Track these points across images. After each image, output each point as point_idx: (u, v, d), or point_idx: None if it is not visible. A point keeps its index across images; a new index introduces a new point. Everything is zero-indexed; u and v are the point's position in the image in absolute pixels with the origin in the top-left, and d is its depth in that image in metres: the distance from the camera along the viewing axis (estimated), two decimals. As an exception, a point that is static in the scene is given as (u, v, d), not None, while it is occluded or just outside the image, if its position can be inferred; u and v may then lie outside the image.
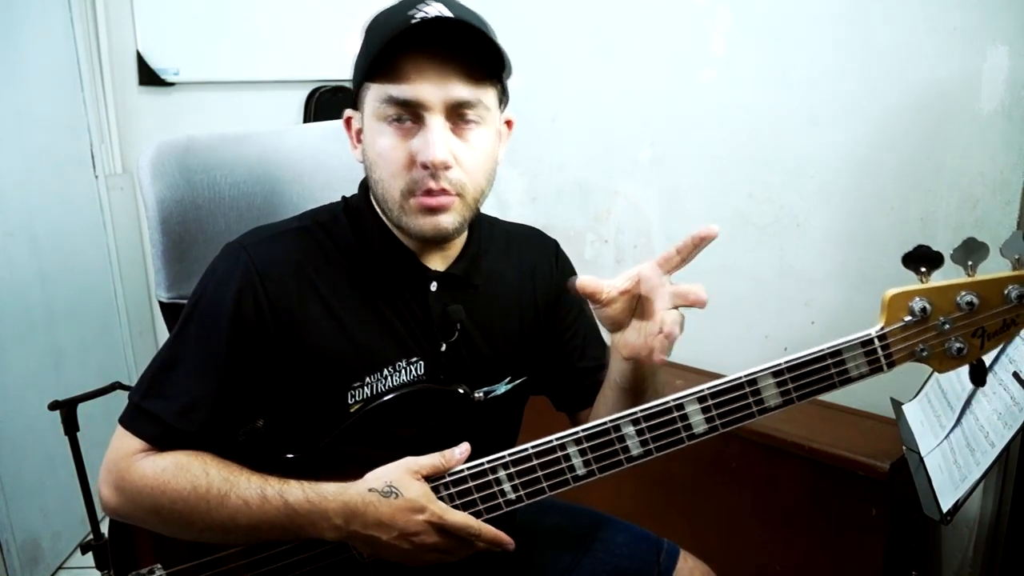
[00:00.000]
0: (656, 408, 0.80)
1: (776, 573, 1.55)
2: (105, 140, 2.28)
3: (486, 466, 0.83)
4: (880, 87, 1.54)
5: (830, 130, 1.63)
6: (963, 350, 0.77)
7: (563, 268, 1.07)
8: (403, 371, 0.90)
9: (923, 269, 0.76)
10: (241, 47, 2.26)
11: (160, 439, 0.85)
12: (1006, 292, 0.75)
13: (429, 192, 0.83)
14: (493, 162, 0.89)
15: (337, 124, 0.99)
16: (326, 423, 0.88)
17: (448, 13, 0.80)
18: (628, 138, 2.01)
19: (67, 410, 1.30)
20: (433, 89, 0.81)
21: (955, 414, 0.97)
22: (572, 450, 0.81)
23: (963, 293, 0.76)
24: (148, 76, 2.29)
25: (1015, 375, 0.90)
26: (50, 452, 1.89)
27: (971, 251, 0.75)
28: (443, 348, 0.93)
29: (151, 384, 0.87)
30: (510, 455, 0.82)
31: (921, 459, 0.99)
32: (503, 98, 0.91)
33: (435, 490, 0.83)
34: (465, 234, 0.96)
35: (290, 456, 0.88)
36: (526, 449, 0.82)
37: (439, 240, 0.88)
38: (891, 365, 0.78)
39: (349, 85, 0.91)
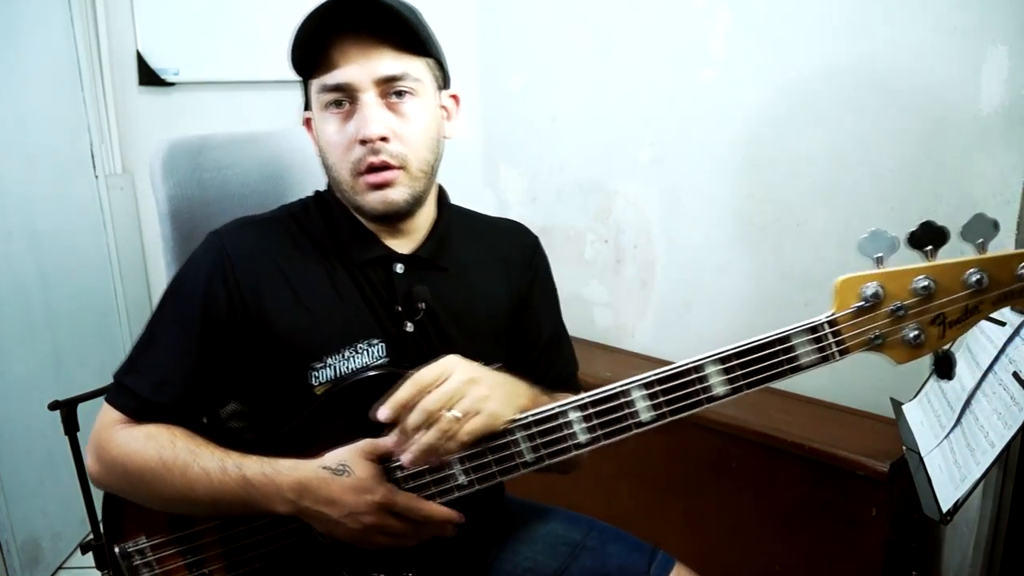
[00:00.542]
0: (604, 394, 0.80)
1: (776, 573, 1.55)
2: (105, 140, 2.28)
3: None
4: (880, 87, 1.54)
5: (830, 130, 1.63)
6: (920, 338, 0.73)
7: (539, 263, 1.09)
8: (364, 352, 0.92)
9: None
10: (241, 47, 2.26)
11: (137, 411, 0.90)
12: (965, 277, 0.72)
13: (372, 168, 0.88)
14: (433, 133, 0.93)
15: None
16: (293, 405, 0.91)
17: None
18: (628, 138, 2.01)
19: (67, 410, 1.30)
20: (360, 69, 0.86)
21: (955, 414, 0.97)
22: (520, 435, 0.82)
23: (918, 278, 0.73)
24: (148, 76, 2.29)
25: (1015, 375, 0.90)
26: (50, 452, 1.90)
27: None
28: (409, 329, 0.95)
29: (130, 361, 0.92)
30: None
31: (921, 459, 0.99)
32: (442, 75, 0.96)
33: (390, 472, 0.84)
34: (432, 218, 1.00)
35: (263, 437, 0.92)
36: None
37: (393, 216, 0.92)
38: (844, 353, 0.76)
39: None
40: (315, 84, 0.90)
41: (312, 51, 0.88)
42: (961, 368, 1.00)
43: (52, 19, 2.11)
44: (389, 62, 0.88)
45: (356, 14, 0.86)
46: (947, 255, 0.76)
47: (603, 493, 1.83)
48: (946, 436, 0.97)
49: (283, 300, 0.92)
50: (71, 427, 1.31)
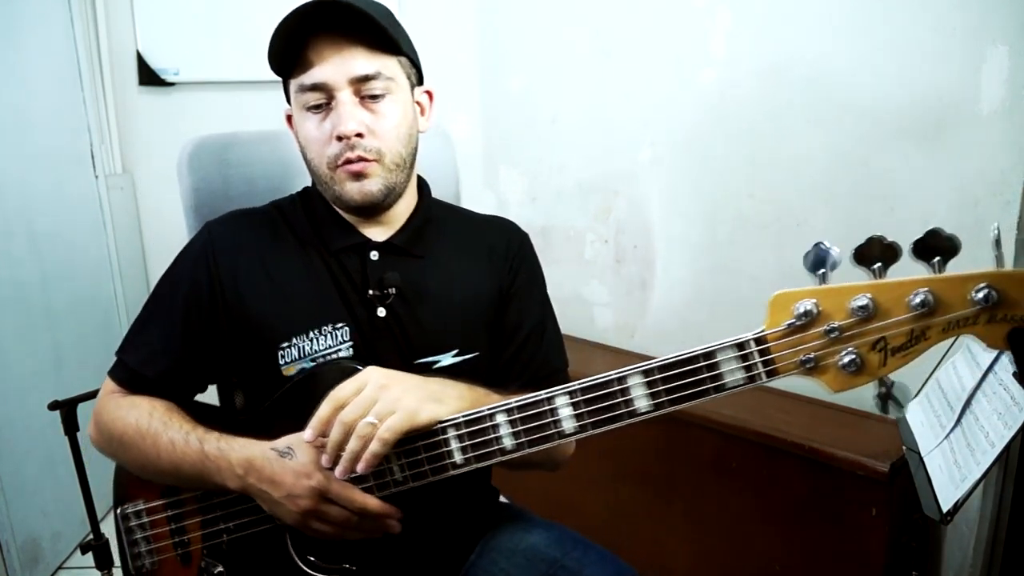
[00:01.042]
0: (529, 400, 0.80)
1: (776, 573, 1.55)
2: (105, 140, 2.28)
3: None
4: (880, 87, 1.54)
5: (830, 130, 1.63)
6: (858, 364, 0.66)
7: (524, 257, 1.09)
8: (328, 335, 0.96)
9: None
10: (241, 47, 2.26)
11: (128, 382, 0.99)
12: (909, 298, 0.64)
13: (348, 161, 0.93)
14: (407, 128, 0.98)
15: None
16: (264, 386, 0.96)
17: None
18: (628, 139, 2.01)
19: (67, 410, 1.30)
20: (334, 70, 0.91)
21: (955, 414, 0.97)
22: (451, 434, 0.82)
23: (857, 297, 0.65)
24: (148, 76, 2.29)
25: (1015, 375, 0.89)
26: (50, 452, 1.90)
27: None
28: (382, 314, 0.98)
29: (127, 337, 1.01)
30: None
31: (921, 459, 0.98)
32: (416, 72, 1.01)
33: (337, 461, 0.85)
34: (411, 207, 1.04)
35: (241, 419, 1.00)
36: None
37: (369, 205, 0.96)
38: (772, 374, 0.70)
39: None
40: (294, 83, 0.95)
41: (289, 53, 0.93)
42: (961, 368, 1.00)
43: (52, 19, 2.11)
44: (362, 62, 0.92)
45: (329, 17, 0.90)
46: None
47: (604, 493, 1.83)
48: (946, 436, 0.97)
49: (257, 284, 0.98)
50: (71, 427, 1.30)
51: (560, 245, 2.20)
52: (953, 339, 0.66)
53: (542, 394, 0.79)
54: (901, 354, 0.66)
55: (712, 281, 1.88)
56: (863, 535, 1.41)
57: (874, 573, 1.41)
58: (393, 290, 0.97)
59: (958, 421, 0.96)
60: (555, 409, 0.78)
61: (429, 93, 1.05)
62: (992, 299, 0.62)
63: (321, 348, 0.95)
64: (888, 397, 0.68)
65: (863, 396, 1.58)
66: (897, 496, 1.37)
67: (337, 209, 1.01)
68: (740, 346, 0.70)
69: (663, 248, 2.00)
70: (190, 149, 1.21)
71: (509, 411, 0.80)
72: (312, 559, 0.92)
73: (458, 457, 0.82)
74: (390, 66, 0.95)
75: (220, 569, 0.95)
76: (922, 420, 1.06)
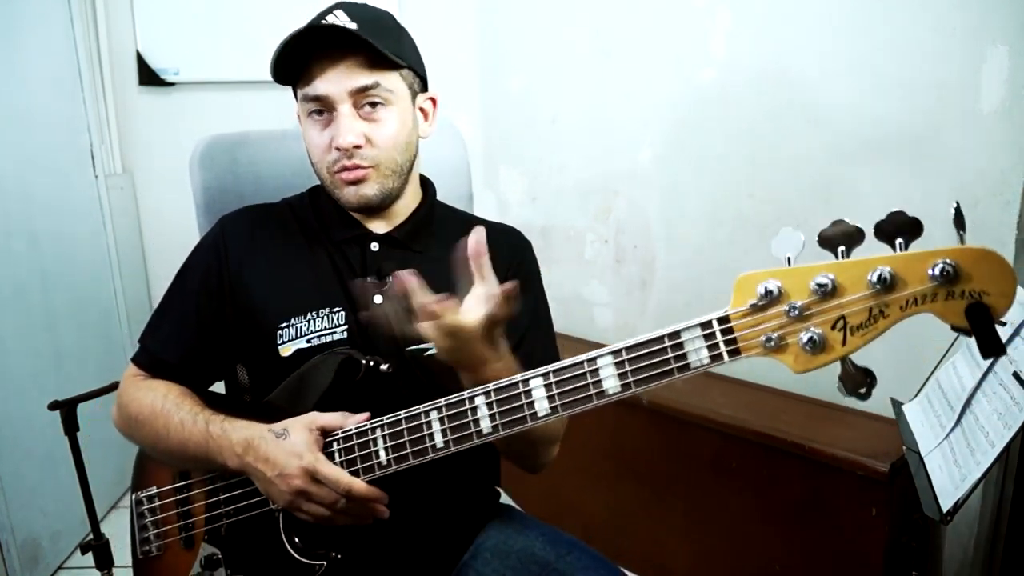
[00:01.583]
0: (505, 383, 0.81)
1: (776, 573, 1.55)
2: (105, 140, 2.28)
3: (367, 426, 0.88)
4: (880, 87, 1.54)
5: (830, 130, 1.63)
6: (818, 343, 0.66)
7: (524, 261, 1.11)
8: (325, 318, 1.00)
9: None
10: (241, 47, 2.27)
11: (149, 366, 1.05)
12: (868, 276, 0.64)
13: (346, 168, 0.99)
14: (406, 136, 1.02)
15: None
16: (264, 368, 1.01)
17: (342, 20, 0.95)
18: (628, 139, 2.01)
19: (67, 410, 1.30)
20: (334, 84, 0.96)
21: (955, 414, 0.97)
22: (434, 417, 0.84)
23: (818, 276, 0.65)
24: (148, 76, 2.30)
25: (1015, 375, 0.90)
26: (50, 452, 1.89)
27: (843, 235, 0.65)
28: (378, 300, 1.01)
29: (149, 324, 1.07)
30: (387, 419, 0.87)
31: (921, 459, 0.99)
32: (418, 82, 1.05)
33: (328, 445, 0.90)
34: (413, 205, 1.09)
35: (246, 403, 1.06)
36: (399, 414, 0.86)
37: (365, 207, 1.02)
38: (734, 354, 0.71)
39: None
40: (299, 93, 1.00)
41: (291, 68, 0.98)
42: (961, 368, 1.00)
43: (52, 19, 2.11)
44: (361, 77, 0.96)
45: (330, 38, 0.95)
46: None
47: (604, 493, 1.83)
48: (946, 436, 0.97)
49: (262, 271, 1.04)
50: (71, 427, 1.30)
51: (560, 245, 2.20)
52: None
53: (518, 377, 0.80)
54: (861, 332, 0.65)
55: (712, 281, 1.88)
56: (863, 535, 1.41)
57: (874, 573, 1.41)
58: (391, 278, 0.99)
59: (958, 421, 0.96)
60: (529, 391, 0.79)
61: (433, 100, 1.08)
62: (948, 274, 0.62)
63: (317, 329, 0.99)
64: (859, 384, 0.68)
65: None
66: (897, 496, 1.37)
67: (341, 205, 1.05)
68: (704, 325, 0.72)
69: (663, 248, 2.00)
70: (201, 148, 1.24)
71: (487, 393, 0.82)
72: (303, 546, 0.94)
73: (439, 440, 0.84)
74: (389, 79, 0.99)
75: (218, 554, 0.99)
76: (922, 420, 1.06)
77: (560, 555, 1.02)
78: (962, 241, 0.64)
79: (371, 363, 0.95)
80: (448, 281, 1.01)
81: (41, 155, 2.03)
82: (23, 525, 1.88)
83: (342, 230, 1.06)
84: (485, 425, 0.82)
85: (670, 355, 0.74)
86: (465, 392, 0.84)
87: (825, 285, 0.65)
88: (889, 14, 1.52)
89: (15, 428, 1.87)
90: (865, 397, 0.68)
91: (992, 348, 0.62)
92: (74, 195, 2.18)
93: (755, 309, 0.69)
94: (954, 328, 0.64)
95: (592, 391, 0.77)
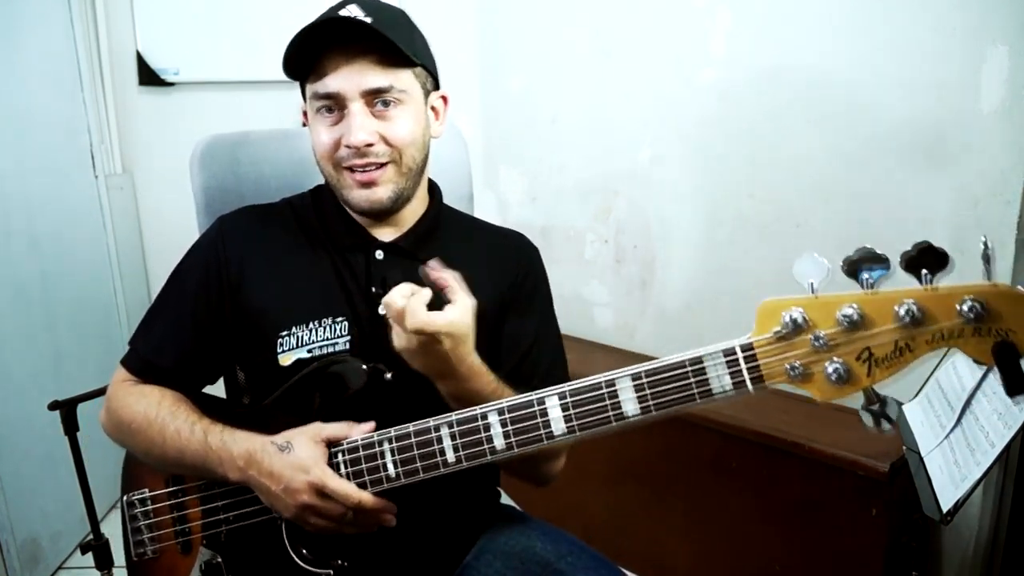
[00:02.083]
0: (519, 401, 0.80)
1: (776, 573, 1.55)
2: (105, 140, 2.28)
3: (374, 439, 0.86)
4: (880, 87, 1.54)
5: (830, 130, 1.63)
6: (843, 375, 0.66)
7: (531, 270, 1.08)
8: (327, 327, 0.97)
9: (925, 272, 0.63)
10: (241, 47, 2.27)
11: (140, 371, 1.01)
12: (896, 309, 0.64)
13: (356, 168, 0.95)
14: (419, 136, 0.98)
15: None
16: (263, 376, 0.98)
17: (356, 14, 0.91)
18: (628, 139, 2.01)
19: (67, 410, 1.30)
20: (347, 81, 0.92)
21: (955, 414, 0.97)
22: (444, 432, 0.82)
23: (844, 307, 0.65)
24: (148, 76, 2.29)
25: (1005, 389, 0.89)
26: (50, 452, 1.89)
27: (868, 263, 0.64)
28: (382, 311, 0.96)
29: (141, 326, 1.04)
30: (395, 431, 0.85)
31: (921, 459, 0.99)
32: (430, 80, 1.01)
33: (333, 455, 0.87)
34: (421, 211, 1.05)
35: (244, 408, 1.03)
36: (407, 427, 0.84)
37: (377, 211, 0.98)
38: (757, 382, 0.70)
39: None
40: (309, 88, 0.96)
41: (303, 62, 0.94)
42: (961, 368, 1.00)
43: (52, 19, 2.11)
44: (375, 76, 0.93)
45: (344, 32, 0.91)
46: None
47: (604, 493, 1.83)
48: (946, 436, 0.97)
49: (263, 275, 1.00)
50: (71, 427, 1.30)
51: (560, 245, 2.20)
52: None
53: (532, 395, 0.79)
54: (886, 365, 0.66)
55: (712, 281, 1.88)
56: (863, 535, 1.41)
57: (874, 573, 1.41)
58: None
59: (958, 421, 0.96)
60: (545, 411, 0.78)
61: (444, 98, 1.05)
62: (978, 312, 0.62)
63: (319, 339, 0.96)
64: (882, 415, 0.69)
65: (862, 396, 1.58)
66: (897, 496, 1.37)
67: (346, 208, 1.02)
68: (727, 352, 0.71)
69: (663, 248, 2.00)
70: (202, 148, 1.22)
71: (500, 411, 0.80)
72: (307, 553, 0.92)
73: (450, 456, 0.83)
74: (403, 78, 0.95)
75: (218, 560, 0.97)
76: (922, 420, 1.06)
77: (561, 555, 1.01)
78: (989, 277, 0.63)
79: (374, 370, 0.92)
80: None
81: (41, 155, 2.03)
82: (23, 525, 1.88)
83: (346, 236, 1.02)
84: (499, 443, 0.80)
85: (691, 380, 0.73)
86: (477, 408, 0.82)
87: (851, 317, 0.65)
88: (889, 14, 1.52)
89: (15, 428, 1.87)
90: (890, 424, 0.68)
91: (1019, 387, 0.62)
92: (74, 195, 2.18)
93: (779, 338, 0.68)
94: (977, 362, 0.65)
95: (611, 412, 0.76)
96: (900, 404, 0.69)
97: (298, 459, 0.85)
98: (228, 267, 1.00)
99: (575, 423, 0.77)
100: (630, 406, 0.75)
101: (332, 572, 0.91)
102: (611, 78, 2.02)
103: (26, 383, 1.92)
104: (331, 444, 0.87)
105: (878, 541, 1.40)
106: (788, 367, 0.68)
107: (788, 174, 1.71)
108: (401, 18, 0.98)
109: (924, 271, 0.63)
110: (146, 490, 1.02)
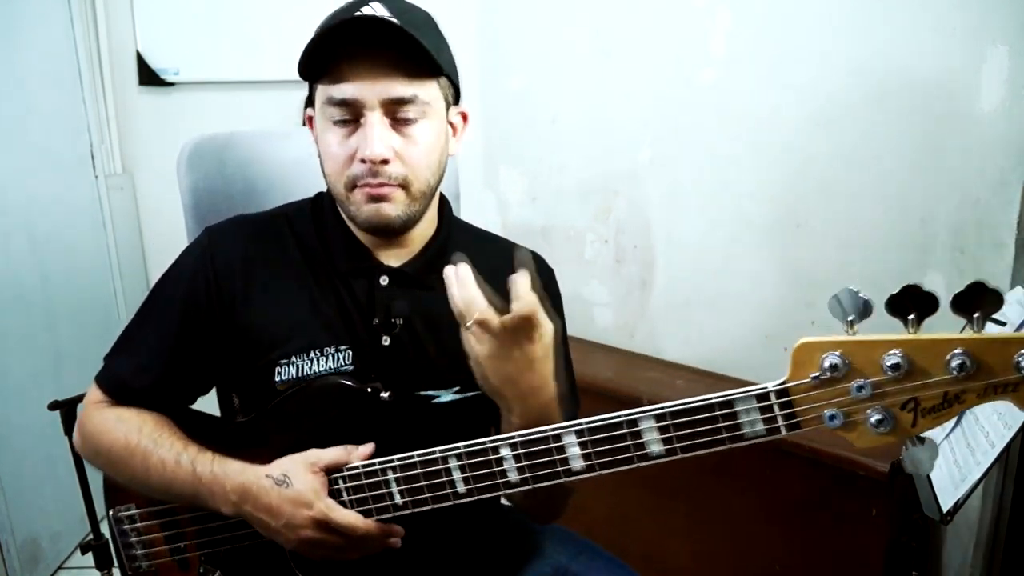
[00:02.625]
0: (533, 436, 0.76)
1: (776, 573, 1.55)
2: (105, 140, 2.28)
3: (377, 466, 0.83)
4: (880, 87, 1.54)
5: (830, 130, 1.63)
6: (885, 424, 0.63)
7: (546, 290, 1.03)
8: (330, 357, 0.91)
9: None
10: (241, 47, 2.26)
11: (117, 393, 0.95)
12: (948, 359, 0.59)
13: (369, 185, 0.86)
14: (438, 155, 0.91)
15: None
16: (258, 402, 0.92)
17: (381, 13, 0.82)
18: (628, 139, 2.01)
19: (67, 410, 1.29)
20: (369, 89, 0.83)
21: (955, 414, 0.97)
22: (453, 464, 0.79)
23: (890, 353, 0.60)
24: (148, 76, 2.29)
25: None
26: (50, 452, 1.89)
27: (912, 303, 0.58)
28: (386, 343, 0.93)
29: (118, 344, 0.97)
30: (399, 459, 0.82)
31: (921, 459, 0.98)
32: (452, 92, 0.93)
33: (333, 483, 0.83)
34: (429, 234, 0.98)
35: (232, 428, 0.96)
36: (412, 456, 0.81)
37: (384, 229, 0.90)
38: (792, 428, 0.67)
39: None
40: (321, 91, 0.88)
41: (323, 61, 0.85)
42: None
43: (52, 19, 2.11)
44: (400, 86, 0.84)
45: (372, 32, 0.83)
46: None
47: (605, 494, 1.83)
48: (946, 436, 0.97)
49: (258, 299, 0.93)
50: (71, 427, 1.30)
51: (560, 245, 2.20)
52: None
53: (548, 430, 0.76)
54: (933, 415, 0.62)
55: (712, 281, 1.88)
56: (863, 535, 1.41)
57: (874, 573, 1.41)
58: (400, 321, 0.92)
59: (958, 421, 0.96)
60: (562, 447, 0.75)
61: (463, 115, 0.97)
62: None
63: (321, 370, 0.91)
64: (922, 459, 0.66)
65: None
66: (897, 496, 1.37)
67: (349, 225, 0.95)
68: (760, 397, 0.67)
69: (663, 248, 2.00)
70: (190, 149, 1.20)
71: (513, 445, 0.77)
72: (311, 571, 0.90)
73: (460, 487, 0.80)
74: (429, 90, 0.87)
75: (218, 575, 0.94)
76: (922, 420, 1.06)
77: (573, 556, 1.01)
78: None
79: (370, 391, 0.89)
80: None
81: (41, 155, 2.03)
82: (23, 525, 1.88)
83: (348, 259, 0.94)
84: (513, 477, 0.77)
85: (721, 424, 0.70)
86: (487, 440, 0.78)
87: (899, 365, 0.61)
88: (889, 14, 1.51)
89: (15, 428, 1.87)
90: (920, 472, 0.66)
91: None
92: (74, 195, 2.18)
93: (819, 383, 0.64)
94: None
95: (633, 452, 0.73)
96: (937, 445, 0.65)
97: (298, 493, 0.81)
98: (219, 287, 0.93)
99: (595, 460, 0.74)
100: (655, 447, 0.73)
101: None
102: (611, 78, 2.02)
103: (26, 383, 1.92)
104: (330, 471, 0.84)
105: (878, 541, 1.40)
106: (828, 414, 0.65)
107: (788, 174, 1.71)
108: (429, 20, 0.90)
109: (976, 315, 0.59)
110: (132, 505, 0.97)
